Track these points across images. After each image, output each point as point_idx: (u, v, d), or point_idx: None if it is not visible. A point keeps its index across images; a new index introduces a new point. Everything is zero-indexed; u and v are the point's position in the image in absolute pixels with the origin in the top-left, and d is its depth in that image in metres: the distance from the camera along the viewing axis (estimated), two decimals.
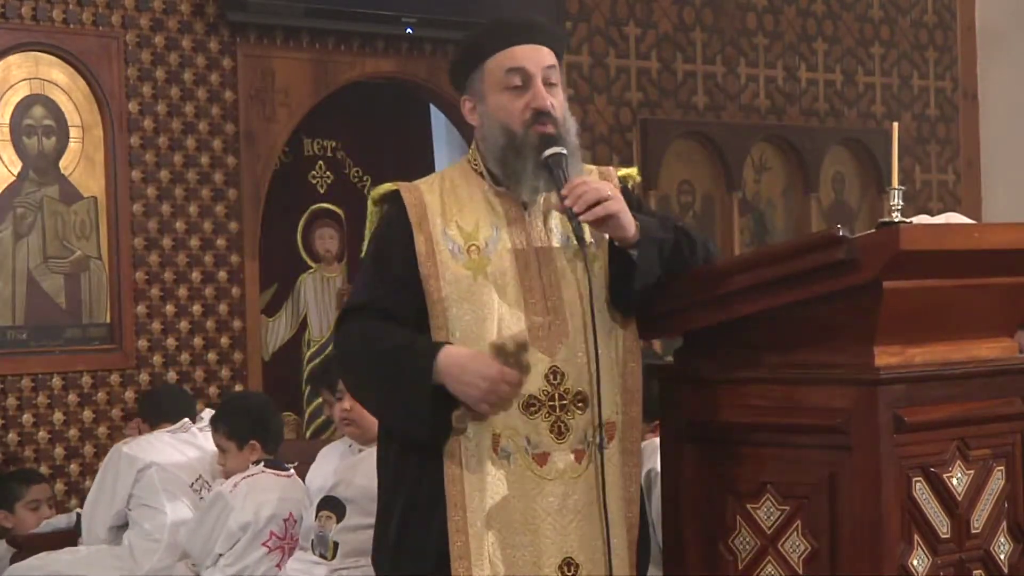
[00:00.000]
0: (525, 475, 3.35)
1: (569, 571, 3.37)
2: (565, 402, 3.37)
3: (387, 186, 3.53)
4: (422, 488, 3.38)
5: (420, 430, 3.34)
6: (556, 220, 3.47)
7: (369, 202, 3.57)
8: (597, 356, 3.35)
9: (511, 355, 3.28)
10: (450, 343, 3.34)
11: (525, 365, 3.30)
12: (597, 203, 3.29)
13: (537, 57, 3.43)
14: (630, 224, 3.34)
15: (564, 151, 3.38)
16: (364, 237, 3.58)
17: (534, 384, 3.35)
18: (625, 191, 3.51)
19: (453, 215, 3.44)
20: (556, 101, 3.43)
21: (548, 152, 3.36)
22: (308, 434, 8.01)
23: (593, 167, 3.62)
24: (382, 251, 3.47)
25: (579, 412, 3.38)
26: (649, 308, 3.47)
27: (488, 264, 3.39)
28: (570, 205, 3.29)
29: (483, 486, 3.33)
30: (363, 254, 3.55)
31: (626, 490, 3.44)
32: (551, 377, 3.37)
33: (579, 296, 3.41)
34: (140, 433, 6.14)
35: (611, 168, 3.63)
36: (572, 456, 3.38)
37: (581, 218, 3.29)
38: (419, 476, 3.39)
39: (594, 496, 3.38)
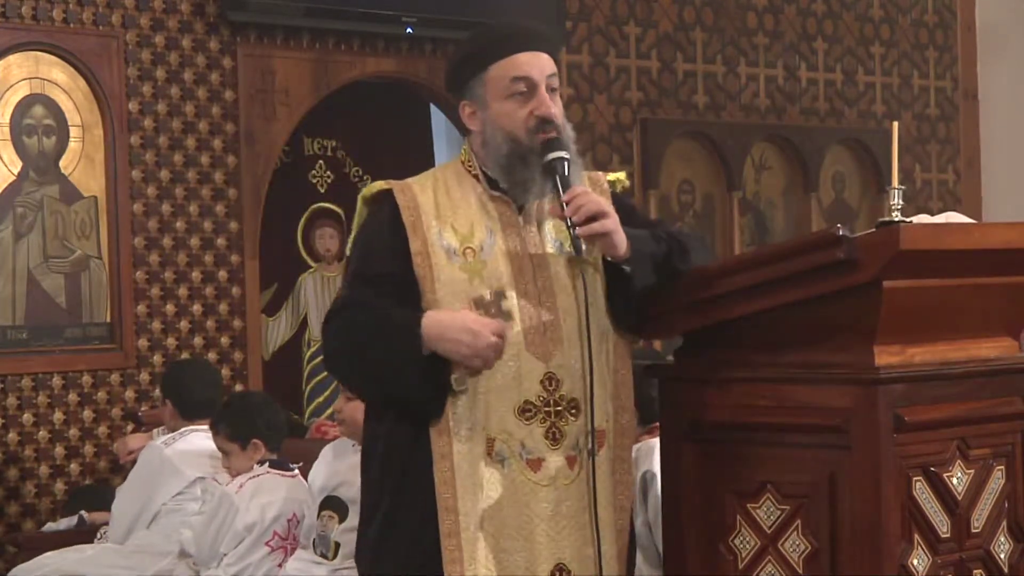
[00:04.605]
0: (519, 480, 3.36)
1: None
2: (560, 408, 3.38)
3: (379, 185, 3.51)
4: (406, 488, 3.38)
5: (417, 398, 3.33)
6: (550, 226, 3.48)
7: (359, 200, 3.55)
8: (591, 362, 3.38)
9: (491, 304, 3.32)
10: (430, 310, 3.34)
11: (506, 313, 3.33)
12: (594, 218, 3.30)
13: (541, 65, 3.44)
14: (622, 243, 3.35)
15: (567, 156, 3.38)
16: (352, 233, 3.58)
17: (530, 390, 3.36)
18: (615, 197, 3.52)
19: (447, 217, 3.44)
20: (557, 109, 3.45)
21: (550, 156, 3.37)
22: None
23: (583, 173, 3.60)
24: (370, 250, 3.45)
25: (572, 418, 3.39)
26: (649, 308, 3.47)
27: (484, 268, 3.40)
28: (570, 215, 3.30)
29: (476, 490, 3.34)
30: (348, 252, 3.55)
31: (616, 497, 3.45)
32: (546, 383, 3.38)
33: (574, 302, 3.42)
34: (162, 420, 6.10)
35: (600, 173, 3.63)
36: (565, 462, 3.38)
37: (578, 231, 3.30)
38: (404, 475, 3.39)
39: (586, 503, 3.39)
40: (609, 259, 3.39)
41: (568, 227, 3.32)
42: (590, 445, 3.40)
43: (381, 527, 3.42)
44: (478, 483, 3.34)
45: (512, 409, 3.36)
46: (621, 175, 3.66)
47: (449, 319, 3.29)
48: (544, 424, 3.37)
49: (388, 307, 3.36)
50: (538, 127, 3.40)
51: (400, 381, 3.35)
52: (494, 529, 3.34)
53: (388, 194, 3.47)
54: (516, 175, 3.42)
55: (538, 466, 3.37)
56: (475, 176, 3.49)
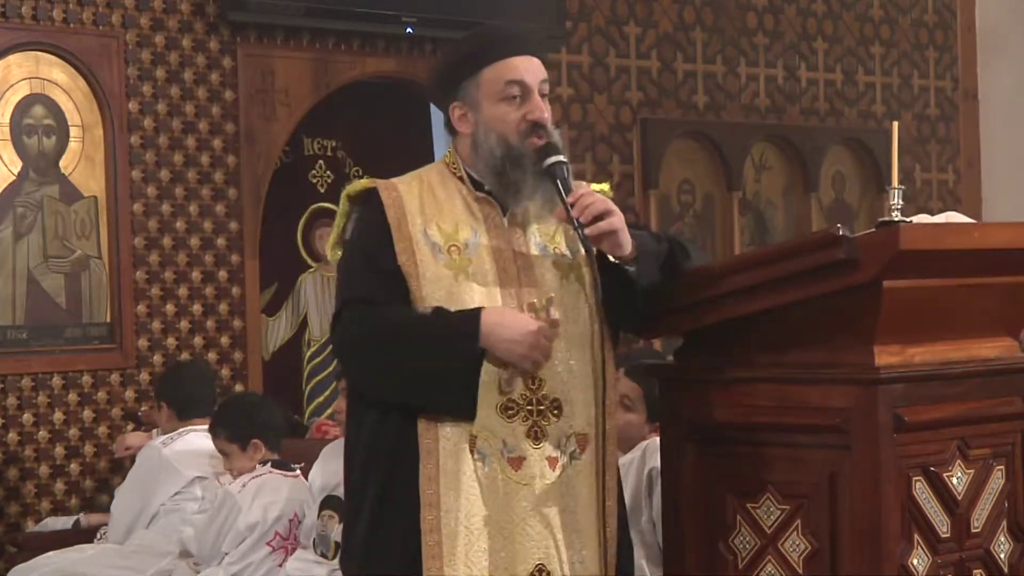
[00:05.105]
0: (499, 478, 3.35)
1: None
2: (543, 407, 3.38)
3: (363, 183, 3.53)
4: (393, 487, 3.37)
5: (464, 399, 3.33)
6: (535, 228, 3.49)
7: (343, 196, 3.57)
8: (603, 365, 3.40)
9: (542, 309, 3.35)
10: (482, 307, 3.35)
11: (554, 318, 3.34)
12: (601, 216, 3.31)
13: (535, 69, 3.47)
14: (628, 242, 3.36)
15: (565, 159, 3.40)
16: (334, 230, 3.59)
17: (513, 389, 3.37)
18: None
19: (432, 215, 3.44)
20: (548, 113, 3.47)
21: (550, 160, 3.38)
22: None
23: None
24: (365, 248, 3.46)
25: (554, 418, 3.40)
26: (649, 308, 3.47)
27: (469, 265, 3.41)
28: (577, 215, 3.31)
29: (458, 486, 3.33)
30: (335, 251, 3.55)
31: (601, 504, 3.44)
32: (529, 382, 3.38)
33: (561, 304, 3.42)
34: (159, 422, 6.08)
35: (583, 183, 3.64)
36: (546, 462, 3.38)
37: (586, 231, 3.31)
38: (390, 474, 3.38)
39: (565, 505, 3.39)
40: (614, 259, 3.39)
41: (576, 228, 3.32)
42: (572, 448, 3.41)
43: (369, 527, 3.40)
44: (460, 480, 3.34)
45: (495, 407, 3.36)
46: (605, 186, 3.67)
47: (511, 319, 3.31)
48: (526, 422, 3.37)
49: (410, 306, 3.37)
50: (530, 131, 3.42)
51: (448, 383, 3.34)
52: (475, 527, 3.34)
53: (373, 192, 3.49)
54: (508, 177, 3.43)
55: (519, 464, 3.37)
56: (460, 178, 3.51)
